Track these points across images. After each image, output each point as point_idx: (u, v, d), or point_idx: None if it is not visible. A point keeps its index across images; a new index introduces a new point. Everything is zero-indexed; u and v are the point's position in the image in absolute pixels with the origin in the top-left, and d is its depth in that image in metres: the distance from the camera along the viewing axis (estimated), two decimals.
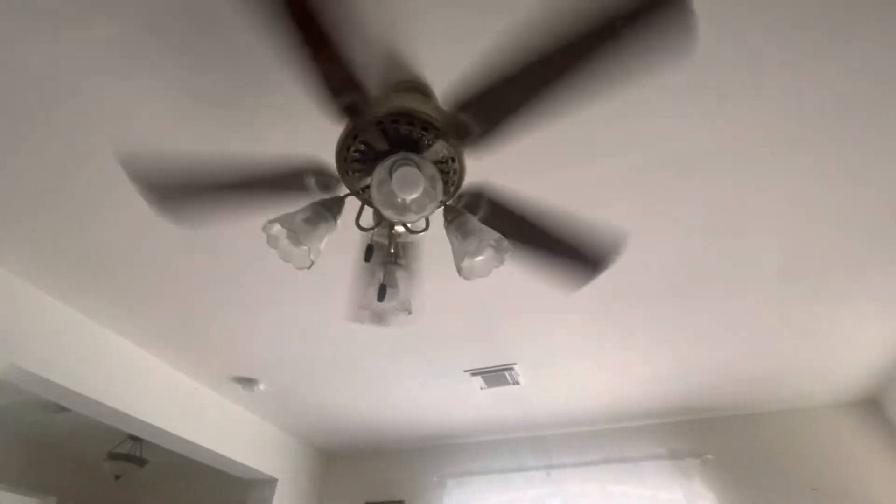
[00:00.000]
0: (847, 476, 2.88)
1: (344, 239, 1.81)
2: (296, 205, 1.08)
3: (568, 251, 1.24)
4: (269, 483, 3.57)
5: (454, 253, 1.00)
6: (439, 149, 0.98)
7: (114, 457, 3.84)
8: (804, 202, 1.71)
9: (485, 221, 1.05)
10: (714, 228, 1.82)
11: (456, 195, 1.06)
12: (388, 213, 0.87)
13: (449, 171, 1.03)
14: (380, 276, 1.09)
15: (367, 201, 1.10)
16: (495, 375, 2.90)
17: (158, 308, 2.37)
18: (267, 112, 1.37)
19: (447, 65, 1.22)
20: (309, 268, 0.97)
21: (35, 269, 2.13)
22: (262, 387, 3.07)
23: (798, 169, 1.59)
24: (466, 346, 2.62)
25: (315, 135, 1.39)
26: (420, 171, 0.84)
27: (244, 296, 2.25)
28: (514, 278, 2.08)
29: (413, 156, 0.86)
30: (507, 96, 0.91)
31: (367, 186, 1.04)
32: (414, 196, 0.84)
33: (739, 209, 1.73)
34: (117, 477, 3.90)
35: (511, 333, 2.51)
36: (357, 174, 1.05)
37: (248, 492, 3.61)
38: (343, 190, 1.10)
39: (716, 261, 1.98)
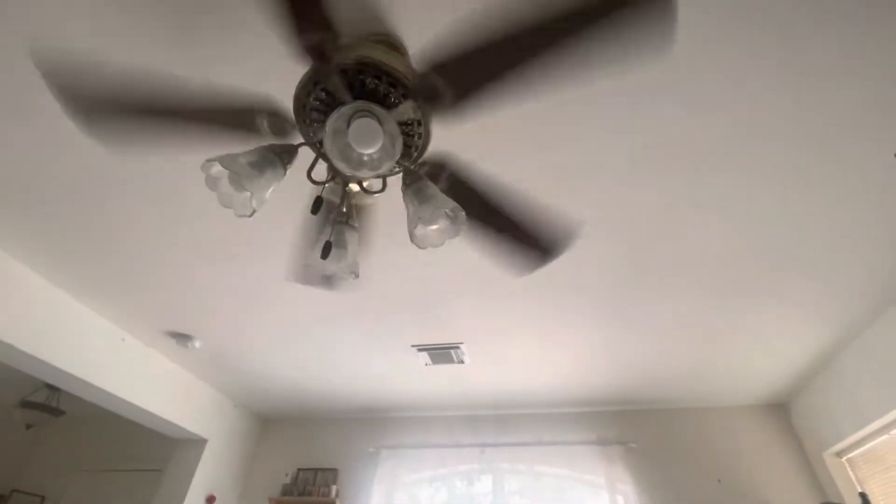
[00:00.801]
0: (749, 471, 3.15)
1: (298, 194, 1.72)
2: (243, 147, 0.99)
3: (523, 235, 1.24)
4: (198, 443, 3.46)
5: (408, 218, 0.96)
6: (405, 110, 0.92)
7: (27, 405, 3.57)
8: (736, 210, 1.78)
9: (444, 193, 1.01)
10: (661, 229, 1.88)
11: (417, 161, 1.01)
12: (340, 166, 0.81)
13: (413, 135, 0.98)
14: (327, 233, 1.03)
15: (322, 154, 1.03)
16: (442, 353, 2.91)
17: (85, 246, 2.17)
18: (224, 39, 1.25)
19: (425, 24, 1.15)
20: (250, 216, 0.89)
21: None
22: (197, 344, 2.93)
23: (733, 177, 1.65)
24: (415, 320, 2.60)
25: (274, 73, 1.28)
26: (381, 125, 0.78)
27: (187, 245, 2.10)
28: (470, 257, 2.07)
29: (375, 107, 0.81)
30: (484, 64, 0.87)
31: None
32: (370, 151, 0.79)
33: (684, 213, 1.79)
34: (29, 426, 3.64)
35: (461, 312, 2.52)
36: (315, 124, 0.97)
37: (173, 450, 3.48)
38: (297, 138, 1.02)
39: (658, 261, 2.06)
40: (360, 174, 0.83)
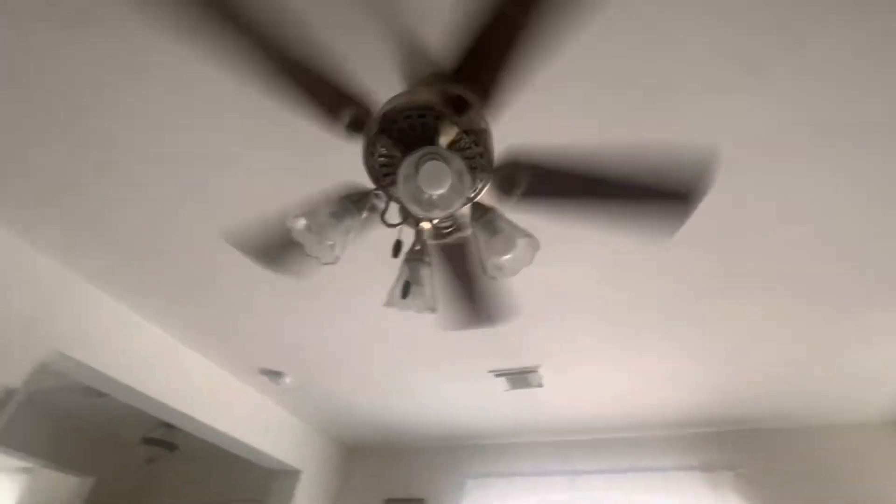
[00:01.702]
0: (886, 497, 2.69)
1: (377, 234, 1.81)
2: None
3: (646, 192, 1.06)
4: (293, 474, 3.64)
5: (481, 251, 0.97)
6: (452, 130, 0.94)
7: (147, 441, 3.99)
8: (847, 206, 1.59)
9: (533, 192, 0.99)
10: (752, 225, 1.71)
11: (491, 172, 1.02)
12: (413, 209, 0.85)
13: (474, 157, 0.98)
14: (405, 272, 1.07)
15: (393, 196, 1.08)
16: (519, 377, 2.85)
17: (192, 298, 2.43)
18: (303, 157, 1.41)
19: (430, 41, 1.15)
20: (334, 263, 0.96)
21: (78, 258, 2.22)
22: (287, 380, 3.12)
23: (851, 168, 1.47)
24: (490, 346, 2.59)
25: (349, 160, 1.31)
26: (447, 165, 0.81)
27: (274, 288, 2.28)
28: (542, 278, 2.03)
29: (440, 150, 0.84)
30: (489, 45, 0.86)
31: (387, 175, 1.02)
32: (441, 192, 0.82)
33: (782, 205, 1.63)
34: (150, 460, 4.05)
35: (536, 335, 2.46)
36: (382, 158, 1.01)
37: (271, 482, 3.69)
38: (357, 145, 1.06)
39: (754, 262, 1.87)
40: (432, 214, 0.86)
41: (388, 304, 1.07)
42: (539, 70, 1.01)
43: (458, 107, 0.93)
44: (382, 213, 1.04)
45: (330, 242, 0.94)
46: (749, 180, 1.53)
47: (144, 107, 1.46)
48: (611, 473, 3.27)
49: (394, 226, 1.03)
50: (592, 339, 2.45)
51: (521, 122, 1.31)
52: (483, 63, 0.89)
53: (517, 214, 1.16)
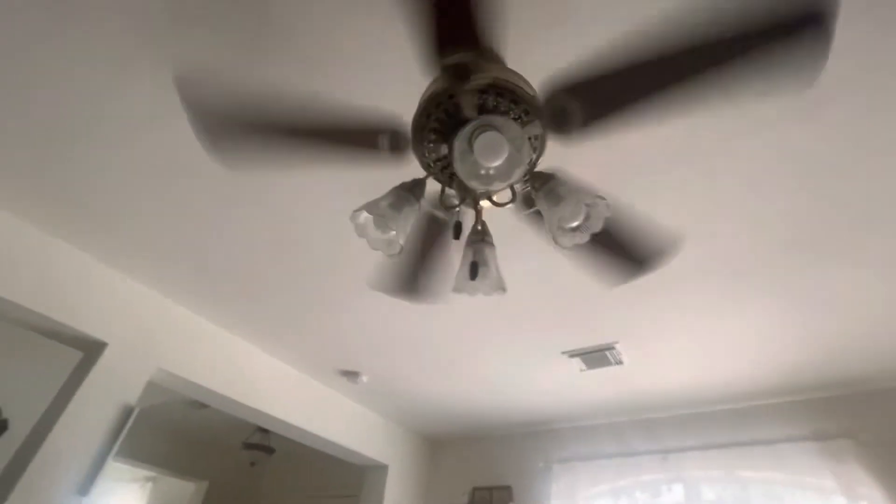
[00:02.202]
0: None
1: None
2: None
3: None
4: (381, 469, 3.77)
5: (547, 222, 0.92)
6: (531, 128, 0.90)
7: (248, 447, 4.32)
8: None
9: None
10: (850, 163, 1.51)
11: (538, 115, 0.94)
12: (473, 184, 0.82)
13: (509, 109, 0.92)
14: (469, 254, 1.05)
15: (444, 181, 1.05)
16: (595, 356, 2.74)
17: (269, 308, 2.58)
18: (364, 54, 1.27)
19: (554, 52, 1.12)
20: (399, 253, 0.95)
21: (173, 286, 2.44)
22: (364, 378, 3.23)
23: None
24: (561, 325, 2.51)
25: (400, 89, 1.30)
26: (501, 133, 0.77)
27: (342, 290, 2.37)
28: None
29: (494, 118, 0.80)
30: (619, 88, 0.83)
31: (440, 159, 0.99)
32: (498, 163, 0.78)
33: (881, 138, 1.41)
34: (252, 464, 4.39)
35: (609, 310, 2.34)
36: (430, 144, 0.98)
37: (363, 477, 3.85)
38: (411, 158, 1.03)
39: (851, 205, 1.65)
40: (493, 188, 0.82)
41: (457, 288, 1.05)
42: (638, 128, 0.93)
43: (460, 73, 0.86)
44: (441, 196, 1.02)
45: (392, 233, 0.93)
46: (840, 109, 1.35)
47: None
48: (707, 449, 3.06)
49: (453, 208, 1.01)
50: (673, 309, 2.29)
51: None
52: (604, 93, 0.84)
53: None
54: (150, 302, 2.49)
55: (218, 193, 1.83)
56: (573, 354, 2.75)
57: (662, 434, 3.27)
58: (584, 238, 0.92)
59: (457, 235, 0.93)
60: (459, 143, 0.79)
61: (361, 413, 3.70)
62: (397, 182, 1.03)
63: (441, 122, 0.95)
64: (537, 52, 1.18)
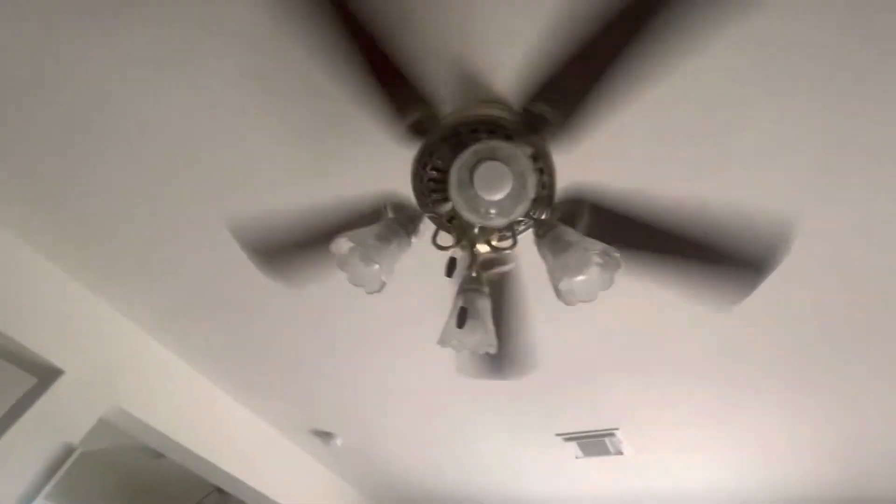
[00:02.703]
0: None
1: (429, 290, 1.73)
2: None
3: (715, 253, 0.96)
4: None
5: (550, 272, 0.82)
6: (521, 153, 0.85)
7: None
8: None
9: (592, 236, 0.87)
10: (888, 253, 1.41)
11: (549, 205, 0.90)
12: (470, 218, 0.73)
13: (538, 186, 0.90)
14: (460, 301, 0.94)
15: (442, 223, 0.99)
16: (593, 442, 2.49)
17: (246, 355, 2.41)
18: (344, 151, 1.36)
19: (509, 62, 1.10)
20: (379, 290, 0.85)
21: (139, 312, 2.29)
22: (339, 441, 2.95)
23: None
24: (559, 403, 2.30)
25: (391, 168, 1.34)
26: (507, 166, 0.70)
27: (327, 348, 2.21)
28: (617, 319, 1.80)
29: (498, 144, 0.73)
30: (579, 73, 0.79)
31: (438, 201, 0.96)
32: (500, 196, 0.70)
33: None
34: None
35: (614, 391, 2.15)
36: (434, 195, 0.96)
37: None
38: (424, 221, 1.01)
39: (882, 298, 1.53)
40: (492, 224, 0.74)
41: (443, 341, 0.92)
42: (621, 106, 0.91)
43: (533, 126, 0.85)
44: (434, 236, 0.93)
45: (375, 266, 0.83)
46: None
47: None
48: None
49: (446, 248, 0.92)
50: (684, 398, 2.10)
51: (589, 160, 1.20)
52: (569, 85, 0.82)
53: None
54: (119, 332, 2.31)
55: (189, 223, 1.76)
56: (569, 438, 2.51)
57: None
58: (592, 294, 0.81)
59: (449, 273, 0.83)
60: (457, 171, 0.71)
61: (329, 480, 3.34)
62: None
63: (438, 172, 0.93)
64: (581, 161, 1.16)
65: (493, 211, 0.72)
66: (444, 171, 0.89)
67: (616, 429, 2.38)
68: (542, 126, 0.84)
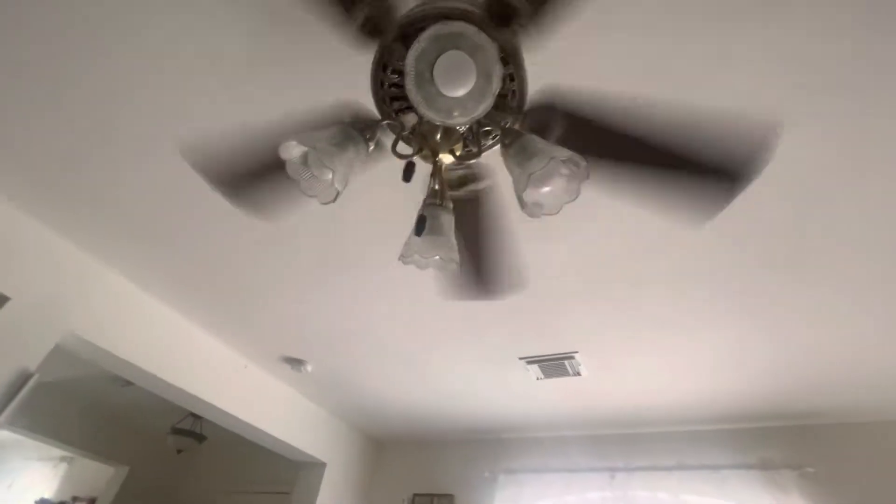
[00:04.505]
0: None
1: (399, 216, 1.67)
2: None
3: (690, 165, 0.90)
4: (318, 467, 3.54)
5: (515, 182, 0.78)
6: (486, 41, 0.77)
7: (176, 432, 3.99)
8: None
9: (563, 143, 0.81)
10: (836, 176, 1.44)
11: (519, 112, 0.84)
12: (429, 115, 0.67)
13: (505, 93, 0.82)
14: (439, 217, 0.90)
15: (402, 135, 0.92)
16: (554, 365, 2.63)
17: (212, 283, 2.34)
18: (299, 62, 1.23)
19: None
20: (334, 200, 0.79)
21: (94, 240, 2.16)
22: (309, 368, 3.01)
23: None
24: (521, 329, 2.38)
25: (348, 74, 1.21)
26: (471, 57, 0.63)
27: (295, 274, 2.17)
28: (576, 249, 1.82)
29: (460, 26, 0.65)
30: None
31: (397, 97, 0.87)
32: (462, 93, 0.63)
33: (868, 149, 1.36)
34: (179, 451, 4.05)
35: (574, 317, 2.24)
36: (400, 110, 0.88)
37: (297, 473, 3.60)
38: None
39: (830, 226, 1.59)
40: (452, 122, 0.68)
41: (404, 256, 0.89)
42: None
43: (501, 18, 0.75)
44: (394, 144, 0.87)
45: (329, 175, 0.77)
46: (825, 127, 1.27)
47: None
48: (655, 471, 3.00)
49: (405, 157, 0.86)
50: (638, 322, 2.21)
51: (562, 58, 1.08)
52: None
53: None
54: (68, 257, 2.19)
55: (142, 144, 1.61)
56: (531, 361, 2.63)
57: (611, 452, 3.20)
58: (557, 205, 0.79)
59: (407, 177, 0.78)
60: (413, 59, 0.64)
61: (304, 406, 3.46)
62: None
63: (399, 77, 0.83)
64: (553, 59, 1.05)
65: (455, 112, 0.66)
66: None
67: (577, 352, 2.51)
68: (510, 18, 0.74)
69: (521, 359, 2.64)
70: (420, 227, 0.77)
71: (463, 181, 1.01)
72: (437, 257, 0.89)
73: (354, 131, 0.82)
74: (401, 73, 0.82)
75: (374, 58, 0.84)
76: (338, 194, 0.78)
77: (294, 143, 0.75)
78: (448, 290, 1.50)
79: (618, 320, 2.22)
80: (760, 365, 2.40)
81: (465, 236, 1.08)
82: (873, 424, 2.72)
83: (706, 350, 2.35)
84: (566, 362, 2.59)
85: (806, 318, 2.04)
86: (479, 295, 1.34)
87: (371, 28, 0.81)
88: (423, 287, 2.14)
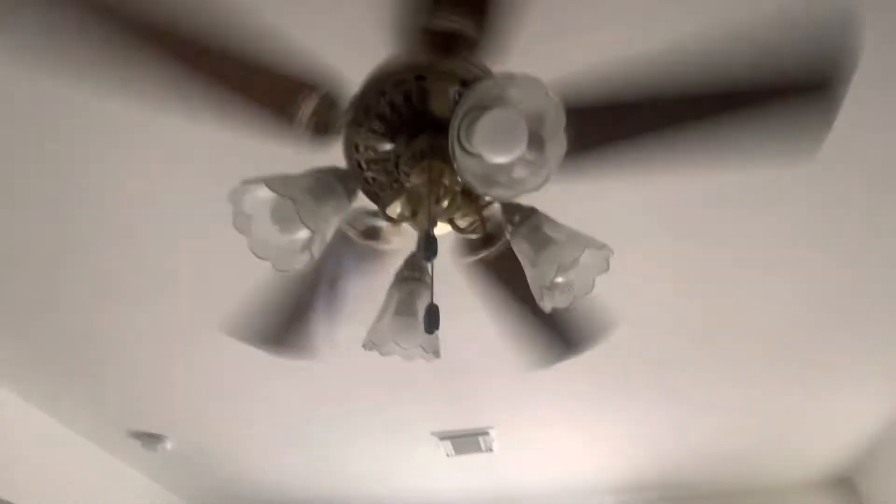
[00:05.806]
0: None
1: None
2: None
3: (759, 98, 0.71)
4: None
5: (530, 273, 0.65)
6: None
7: None
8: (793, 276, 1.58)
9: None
10: (708, 292, 1.64)
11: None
12: (473, 184, 0.52)
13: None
14: (403, 294, 0.72)
15: (374, 192, 0.75)
16: (467, 440, 2.47)
17: (34, 328, 1.73)
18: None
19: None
20: (303, 267, 0.58)
21: None
22: (168, 445, 2.40)
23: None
24: (436, 402, 2.20)
25: (350, 46, 0.91)
26: (516, 111, 0.50)
27: (152, 332, 1.72)
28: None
29: (492, 80, 0.52)
30: (611, 120, 0.71)
31: (377, 160, 0.73)
32: (509, 158, 0.50)
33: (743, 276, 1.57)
34: None
35: (490, 390, 2.14)
36: (371, 134, 0.72)
37: None
38: (335, 145, 0.74)
39: (712, 329, 1.81)
40: (496, 193, 0.53)
41: (375, 342, 0.69)
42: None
43: (446, 48, 0.64)
44: (385, 205, 0.69)
45: (302, 233, 0.56)
46: None
47: None
48: None
49: (397, 221, 0.69)
50: (550, 401, 2.19)
51: (536, 53, 0.91)
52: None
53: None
54: None
55: None
56: (444, 437, 2.43)
57: None
58: (567, 300, 0.67)
59: (429, 255, 0.57)
60: (463, 112, 0.49)
61: (152, 494, 2.72)
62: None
63: (394, 108, 0.68)
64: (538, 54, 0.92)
65: (499, 177, 0.51)
66: (407, 106, 0.66)
67: (491, 427, 2.38)
68: (452, 43, 0.62)
69: (433, 433, 2.42)
70: (434, 320, 0.57)
71: (486, 241, 0.84)
72: (419, 346, 0.71)
73: (335, 181, 0.63)
74: (377, 150, 0.69)
75: (343, 145, 0.72)
76: (311, 260, 0.56)
77: (256, 185, 0.53)
78: (532, 360, 1.28)
79: (533, 400, 2.18)
80: (655, 445, 2.55)
81: (518, 298, 0.96)
82: (730, 494, 3.01)
83: (608, 433, 2.43)
84: (480, 438, 2.45)
85: (692, 410, 2.26)
86: (567, 354, 1.22)
87: (319, 125, 0.69)
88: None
